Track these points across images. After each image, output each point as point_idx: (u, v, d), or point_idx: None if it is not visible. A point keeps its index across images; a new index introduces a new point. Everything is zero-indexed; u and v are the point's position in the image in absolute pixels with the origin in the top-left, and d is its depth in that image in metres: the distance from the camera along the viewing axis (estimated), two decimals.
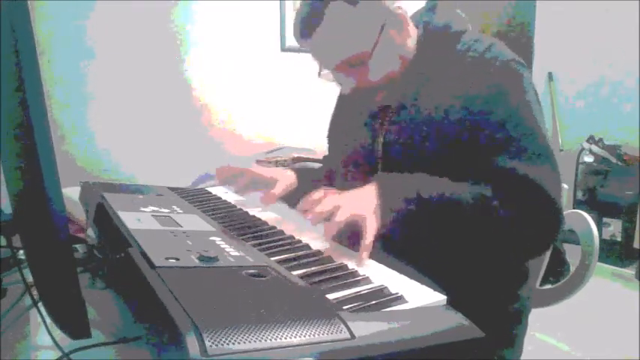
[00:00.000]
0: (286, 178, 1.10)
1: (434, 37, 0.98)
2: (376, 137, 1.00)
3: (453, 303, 0.59)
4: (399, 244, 0.84)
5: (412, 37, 0.98)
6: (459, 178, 0.87)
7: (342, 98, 1.18)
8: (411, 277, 0.66)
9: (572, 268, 1.12)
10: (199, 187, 1.31)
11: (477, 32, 0.99)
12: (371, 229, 0.78)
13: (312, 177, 1.19)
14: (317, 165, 1.32)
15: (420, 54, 0.98)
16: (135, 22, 2.25)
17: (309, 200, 0.83)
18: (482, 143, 0.87)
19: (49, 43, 2.05)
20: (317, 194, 0.84)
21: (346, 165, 1.08)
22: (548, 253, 1.10)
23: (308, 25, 0.93)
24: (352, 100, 1.05)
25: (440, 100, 0.91)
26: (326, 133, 1.20)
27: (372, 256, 0.75)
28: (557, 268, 1.19)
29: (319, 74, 0.98)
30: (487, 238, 0.86)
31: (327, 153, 1.23)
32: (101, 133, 2.22)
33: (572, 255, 1.29)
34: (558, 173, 0.87)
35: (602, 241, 2.63)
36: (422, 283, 0.63)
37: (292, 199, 1.16)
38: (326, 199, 0.81)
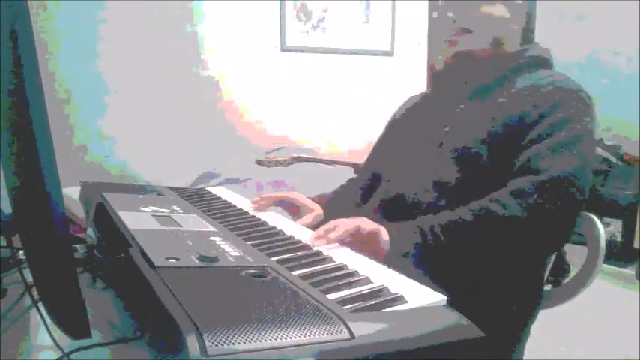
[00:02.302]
0: (317, 209, 1.15)
1: (529, 57, 1.08)
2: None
3: (453, 303, 0.59)
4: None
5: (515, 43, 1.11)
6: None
7: (394, 123, 1.25)
8: (411, 277, 0.66)
9: (572, 268, 1.11)
10: (199, 187, 1.31)
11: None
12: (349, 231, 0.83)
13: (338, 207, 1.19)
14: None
15: (512, 64, 1.07)
16: (134, 21, 2.25)
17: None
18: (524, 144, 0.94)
19: (52, 42, 2.05)
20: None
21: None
22: (552, 256, 1.09)
23: None
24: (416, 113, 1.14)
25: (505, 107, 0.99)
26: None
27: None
28: (558, 270, 1.19)
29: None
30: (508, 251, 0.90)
31: (326, 154, 1.23)
32: (101, 134, 2.22)
33: (573, 255, 1.29)
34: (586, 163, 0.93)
35: None
36: (422, 283, 0.63)
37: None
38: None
